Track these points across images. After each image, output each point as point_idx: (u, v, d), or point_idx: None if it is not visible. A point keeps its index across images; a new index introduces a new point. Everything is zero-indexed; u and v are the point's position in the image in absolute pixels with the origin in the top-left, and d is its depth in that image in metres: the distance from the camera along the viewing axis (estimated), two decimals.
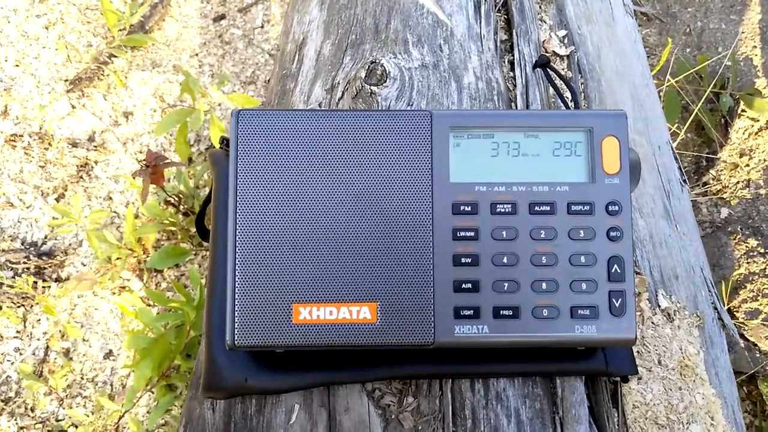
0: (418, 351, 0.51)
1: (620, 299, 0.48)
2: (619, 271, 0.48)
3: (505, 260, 0.49)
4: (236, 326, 0.46)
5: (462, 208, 0.49)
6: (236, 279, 0.47)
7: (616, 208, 0.49)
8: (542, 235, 0.49)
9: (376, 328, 0.47)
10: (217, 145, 1.13)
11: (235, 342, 0.46)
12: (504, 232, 0.49)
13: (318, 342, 0.47)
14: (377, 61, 0.65)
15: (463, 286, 0.48)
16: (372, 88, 0.63)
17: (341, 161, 0.48)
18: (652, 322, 0.65)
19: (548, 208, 0.49)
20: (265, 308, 0.46)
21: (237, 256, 0.47)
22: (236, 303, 0.46)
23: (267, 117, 0.48)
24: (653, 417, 0.59)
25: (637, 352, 0.61)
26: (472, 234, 0.49)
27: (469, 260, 0.48)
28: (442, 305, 0.48)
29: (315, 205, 0.48)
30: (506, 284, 0.48)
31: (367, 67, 0.64)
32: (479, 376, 0.54)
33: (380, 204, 0.48)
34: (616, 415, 0.57)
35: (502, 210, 0.49)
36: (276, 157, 0.48)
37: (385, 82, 0.63)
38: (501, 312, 0.48)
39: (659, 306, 0.66)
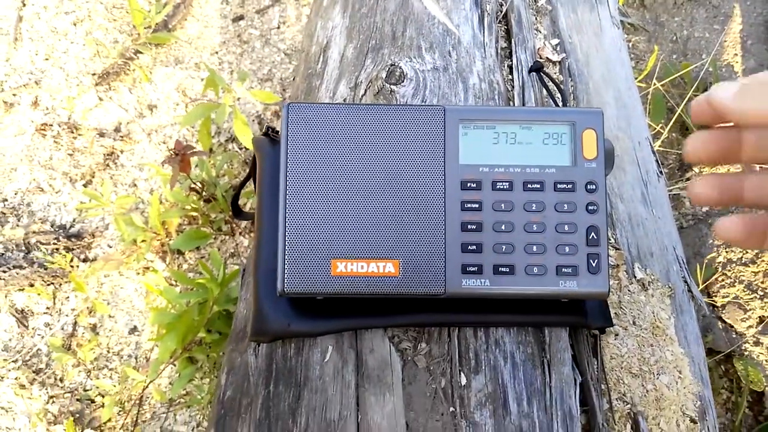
0: (431, 300, 0.60)
1: (596, 260, 0.59)
2: (595, 237, 0.59)
3: (503, 227, 0.59)
4: (286, 276, 0.57)
5: (469, 184, 0.59)
6: (287, 239, 0.57)
7: (593, 187, 0.60)
8: (533, 208, 0.59)
9: (399, 280, 0.57)
10: (242, 138, 1.23)
11: (285, 289, 0.57)
12: (503, 205, 0.59)
13: (351, 290, 0.57)
14: (396, 64, 0.75)
15: (469, 247, 0.58)
16: (392, 86, 0.73)
17: (374, 146, 0.59)
18: (629, 290, 0.74)
19: (539, 186, 0.59)
20: (309, 262, 0.57)
21: (287, 220, 0.57)
22: (286, 258, 0.57)
23: (312, 109, 0.59)
24: (628, 367, 0.69)
25: (615, 314, 0.70)
26: (477, 206, 0.59)
27: (474, 227, 0.59)
28: (451, 262, 0.58)
29: (351, 180, 0.58)
30: (504, 246, 0.58)
31: (387, 69, 0.75)
32: (481, 325, 0.64)
33: (404, 180, 0.58)
34: (596, 362, 0.67)
35: (501, 187, 0.59)
36: (320, 142, 0.58)
37: (403, 82, 0.74)
38: (499, 269, 0.58)
39: (635, 277, 0.75)
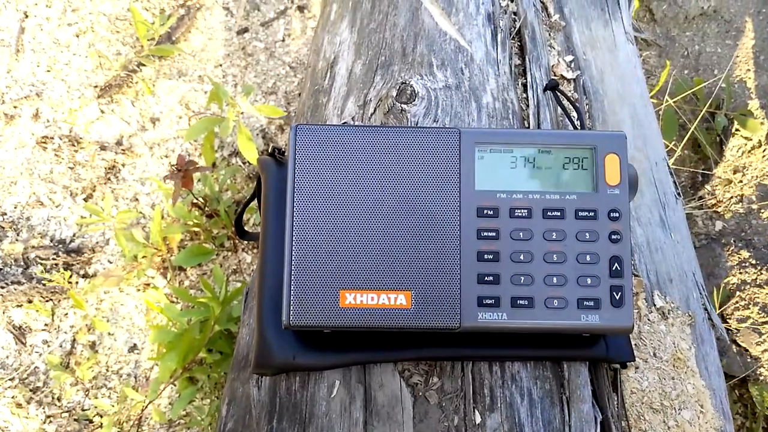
0: (445, 334, 0.58)
1: (620, 293, 0.56)
2: (619, 268, 0.56)
3: (521, 257, 0.56)
4: (292, 308, 0.54)
5: (485, 211, 0.56)
6: (293, 268, 0.54)
7: (617, 214, 0.57)
8: (554, 237, 0.56)
9: (411, 313, 0.54)
10: (246, 153, 1.21)
11: (291, 322, 0.54)
12: (521, 233, 0.56)
13: (360, 323, 0.54)
14: (407, 82, 0.72)
15: (486, 278, 0.55)
16: (402, 105, 0.71)
17: (384, 170, 0.56)
18: (648, 319, 0.72)
19: (559, 214, 0.57)
20: (316, 293, 0.54)
21: (293, 248, 0.54)
22: (292, 289, 0.54)
23: (321, 131, 0.56)
24: (649, 402, 0.66)
25: (635, 345, 0.67)
26: (494, 234, 0.56)
27: (491, 257, 0.56)
28: (467, 294, 0.55)
29: (360, 207, 0.55)
30: (522, 278, 0.55)
31: (397, 87, 0.72)
32: (497, 359, 0.60)
33: (416, 207, 0.55)
34: (616, 398, 0.64)
35: (520, 214, 0.56)
36: (328, 165, 0.56)
37: (414, 101, 0.71)
38: (518, 301, 0.55)
39: (655, 305, 0.73)
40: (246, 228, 1.23)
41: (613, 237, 0.56)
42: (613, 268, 0.56)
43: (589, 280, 0.55)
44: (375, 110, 0.73)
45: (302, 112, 0.87)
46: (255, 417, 0.62)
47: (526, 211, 0.56)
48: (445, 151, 0.57)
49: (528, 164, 0.57)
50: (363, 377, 0.60)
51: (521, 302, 0.55)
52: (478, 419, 0.57)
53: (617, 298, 0.55)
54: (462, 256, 0.55)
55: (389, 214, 0.55)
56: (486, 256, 0.56)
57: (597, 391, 0.62)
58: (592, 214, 0.56)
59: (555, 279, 0.56)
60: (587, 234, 0.56)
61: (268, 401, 0.61)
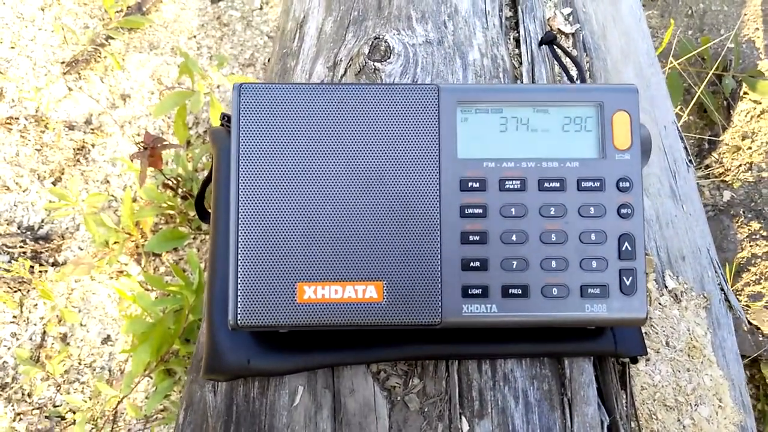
0: (424, 331, 0.50)
1: (631, 278, 0.47)
2: (629, 249, 0.47)
3: (513, 238, 0.48)
4: (239, 306, 0.45)
5: (470, 184, 0.48)
6: (239, 258, 0.45)
7: (627, 184, 0.48)
8: (552, 212, 0.48)
9: (382, 307, 0.46)
10: (218, 124, 1.12)
11: (238, 322, 0.45)
12: (513, 209, 0.48)
13: (323, 322, 0.46)
14: (381, 37, 0.63)
15: (471, 264, 0.47)
16: (375, 64, 0.62)
17: (346, 136, 0.47)
18: (660, 303, 0.64)
19: (558, 185, 0.48)
20: (268, 287, 0.45)
21: (239, 234, 0.46)
22: (239, 282, 0.45)
23: (270, 90, 0.47)
24: (662, 399, 0.58)
25: (645, 333, 0.60)
26: (481, 211, 0.48)
27: (477, 238, 0.47)
28: (449, 284, 0.47)
29: (319, 182, 0.47)
30: (515, 262, 0.47)
31: (370, 43, 0.63)
32: (486, 357, 0.53)
33: (386, 180, 0.47)
34: (625, 396, 0.56)
35: (511, 186, 0.48)
36: (279, 132, 0.47)
37: (389, 58, 0.62)
38: (510, 291, 0.47)
39: (666, 287, 0.65)
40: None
41: (623, 211, 0.48)
42: (623, 249, 0.47)
43: (594, 264, 0.47)
44: (346, 71, 0.64)
45: (270, 80, 0.79)
46: (211, 426, 0.54)
47: (518, 182, 0.48)
48: (420, 112, 0.48)
49: (521, 126, 0.49)
50: (331, 381, 0.52)
51: (514, 291, 0.47)
52: (466, 427, 0.50)
53: (627, 283, 0.47)
54: (443, 238, 0.47)
55: (354, 189, 0.47)
56: (471, 238, 0.47)
57: (603, 390, 0.55)
58: (597, 184, 0.48)
59: (554, 263, 0.47)
60: (592, 208, 0.48)
61: (224, 409, 0.53)
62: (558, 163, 0.48)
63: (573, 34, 0.76)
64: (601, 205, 0.48)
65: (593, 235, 0.48)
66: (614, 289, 0.47)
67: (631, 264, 0.48)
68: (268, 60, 1.46)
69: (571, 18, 0.78)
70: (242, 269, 0.45)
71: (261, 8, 1.60)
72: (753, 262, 1.28)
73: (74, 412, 1.19)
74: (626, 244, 0.47)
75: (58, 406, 1.20)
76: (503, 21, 0.72)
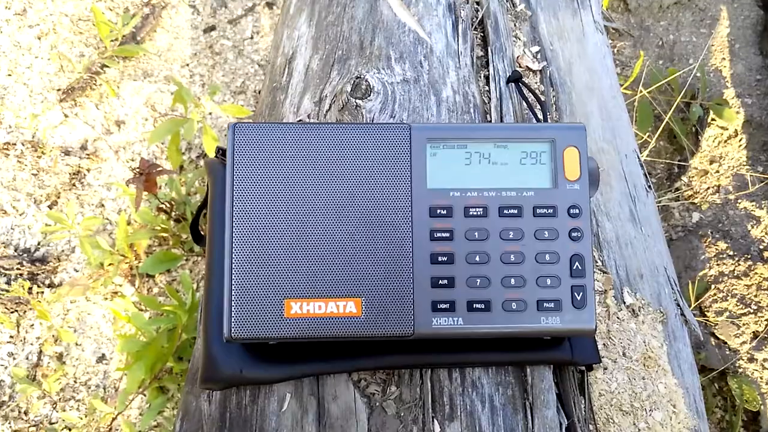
0: (399, 342, 0.55)
1: (581, 293, 0.53)
2: (580, 267, 0.53)
3: (477, 258, 0.53)
4: (233, 320, 0.50)
5: (438, 211, 0.53)
6: (233, 277, 0.51)
7: (577, 211, 0.54)
8: (511, 236, 0.53)
9: (361, 321, 0.51)
10: (212, 154, 1.17)
11: (232, 334, 0.50)
12: (476, 233, 0.53)
13: (308, 334, 0.51)
14: (362, 76, 0.69)
15: (440, 282, 0.52)
16: (357, 101, 0.67)
17: (329, 169, 0.52)
18: (618, 317, 0.69)
19: (516, 212, 0.54)
20: (259, 303, 0.51)
21: (234, 256, 0.51)
22: (233, 299, 0.51)
23: (260, 130, 0.53)
24: (618, 404, 0.63)
25: (603, 344, 0.65)
26: (448, 235, 0.53)
27: (445, 258, 0.52)
28: (420, 299, 0.52)
29: (305, 210, 0.52)
30: (478, 280, 0.52)
31: (352, 82, 0.69)
32: (456, 366, 0.57)
33: (365, 208, 0.52)
34: (583, 402, 0.61)
35: (475, 213, 0.53)
36: (269, 166, 0.52)
37: (369, 96, 0.68)
38: (474, 305, 0.52)
39: (624, 302, 0.70)
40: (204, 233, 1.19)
41: (574, 235, 0.53)
42: (574, 268, 0.53)
43: (548, 281, 0.53)
44: (330, 107, 0.70)
45: (261, 111, 0.84)
46: None
47: (481, 209, 0.53)
48: (394, 148, 0.53)
49: (483, 160, 0.54)
50: (316, 389, 0.56)
51: (477, 306, 0.52)
52: (437, 429, 0.54)
53: (578, 298, 0.53)
54: (414, 258, 0.52)
55: (336, 216, 0.52)
56: (440, 258, 0.52)
57: (563, 395, 0.59)
58: (551, 211, 0.54)
59: (513, 280, 0.53)
60: (546, 232, 0.53)
61: (218, 416, 0.58)
62: (516, 192, 0.54)
63: (540, 71, 0.82)
64: (555, 229, 0.53)
65: (548, 256, 0.53)
66: (567, 304, 0.52)
67: (581, 281, 0.53)
68: (259, 91, 1.52)
69: (539, 55, 0.84)
70: (236, 288, 0.51)
71: (251, 37, 1.64)
72: (720, 279, 1.34)
73: (70, 429, 1.20)
74: (577, 263, 0.53)
75: (54, 423, 1.21)
76: (474, 60, 0.77)
